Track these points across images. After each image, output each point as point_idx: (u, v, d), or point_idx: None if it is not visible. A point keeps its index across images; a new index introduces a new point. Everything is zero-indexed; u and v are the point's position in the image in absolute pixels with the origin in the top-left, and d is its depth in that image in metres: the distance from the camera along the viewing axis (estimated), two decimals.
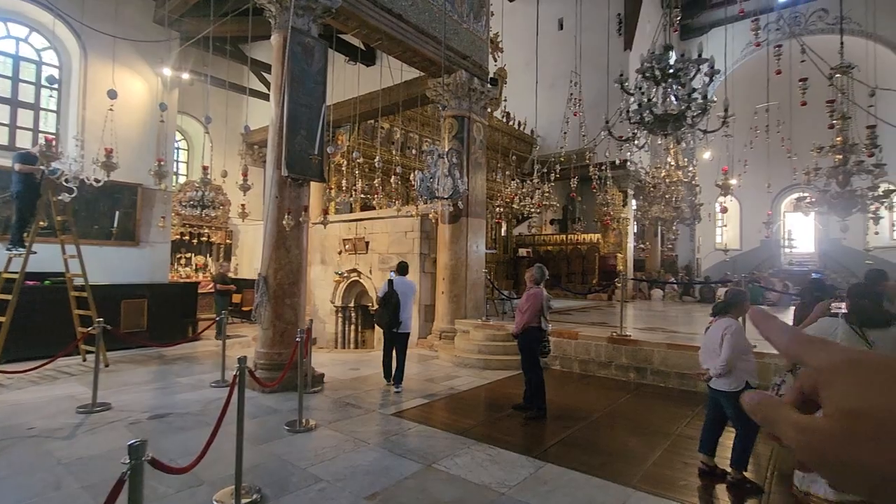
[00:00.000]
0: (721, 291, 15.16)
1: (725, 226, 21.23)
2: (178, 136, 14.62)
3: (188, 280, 12.18)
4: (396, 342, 6.15)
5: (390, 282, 6.10)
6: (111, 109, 6.84)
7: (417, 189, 4.26)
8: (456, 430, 4.49)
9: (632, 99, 3.64)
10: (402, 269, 6.40)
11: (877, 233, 17.38)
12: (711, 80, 3.39)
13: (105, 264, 8.30)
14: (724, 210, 9.10)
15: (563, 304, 12.29)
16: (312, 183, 8.72)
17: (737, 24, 16.18)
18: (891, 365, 0.34)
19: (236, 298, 12.71)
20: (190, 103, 12.35)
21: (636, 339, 6.87)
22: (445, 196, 4.21)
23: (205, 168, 7.67)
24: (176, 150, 14.41)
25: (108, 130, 6.83)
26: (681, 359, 6.40)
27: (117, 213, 8.40)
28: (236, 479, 3.07)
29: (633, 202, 16.67)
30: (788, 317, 5.85)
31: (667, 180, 10.87)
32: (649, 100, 3.47)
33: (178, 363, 7.30)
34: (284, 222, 5.77)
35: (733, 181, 13.60)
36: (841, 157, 9.33)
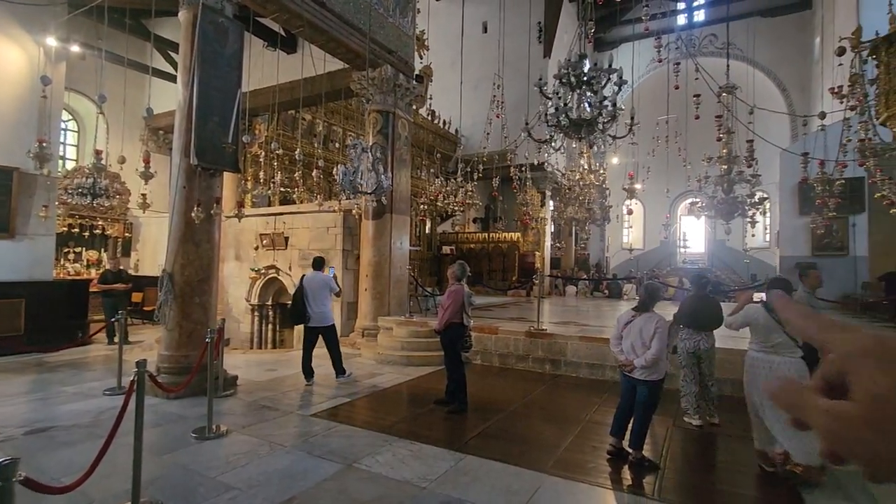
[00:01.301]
0: (627, 287, 16.47)
1: (631, 227, 23.06)
2: (67, 117, 13.00)
3: (78, 278, 10.89)
4: (324, 336, 6.20)
5: (302, 277, 6.26)
6: (44, 97, 5.88)
7: (340, 183, 4.15)
8: (378, 428, 4.46)
9: (550, 103, 3.84)
10: (316, 263, 6.42)
11: (753, 235, 19.74)
12: (620, 90, 3.68)
13: None
14: (630, 212, 9.87)
15: (485, 300, 12.63)
16: (226, 173, 8.22)
17: (643, 42, 17.56)
18: None
19: (137, 297, 11.60)
20: (81, 80, 11.03)
21: (551, 333, 7.25)
22: (369, 191, 4.15)
23: (98, 152, 6.85)
24: (64, 133, 12.81)
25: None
26: (590, 350, 6.86)
27: None
28: (133, 494, 2.81)
29: (550, 203, 17.56)
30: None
31: (581, 183, 11.56)
32: (565, 104, 3.68)
33: (64, 370, 6.51)
34: (193, 215, 5.36)
35: (638, 185, 14.80)
36: (726, 167, 10.51)
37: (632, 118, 3.98)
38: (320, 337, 6.17)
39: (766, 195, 10.52)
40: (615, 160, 15.12)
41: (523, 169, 11.40)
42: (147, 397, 5.40)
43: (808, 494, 3.33)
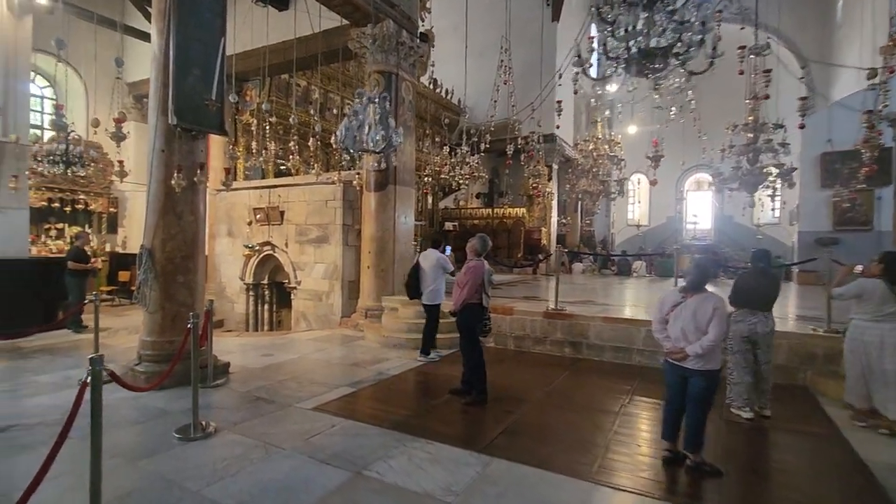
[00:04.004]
0: (637, 264, 15.93)
1: (639, 202, 22.33)
2: (44, 83, 12.12)
3: (59, 255, 10.22)
4: (427, 312, 6.22)
5: (418, 254, 6.53)
6: None
7: (340, 140, 3.50)
8: (388, 424, 3.91)
9: (611, 29, 3.13)
10: (433, 242, 6.49)
11: (773, 210, 19.07)
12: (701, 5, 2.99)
13: None
14: (654, 183, 9.19)
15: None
16: (213, 138, 7.50)
17: None
18: None
19: (124, 276, 10.99)
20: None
21: (571, 314, 6.69)
22: (377, 149, 3.49)
23: (59, 107, 6.07)
24: (40, 100, 11.95)
25: None
26: (615, 332, 6.31)
27: None
28: None
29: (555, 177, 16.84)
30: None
31: (594, 154, 10.85)
32: (635, 28, 2.97)
33: (38, 357, 5.93)
34: (174, 182, 4.70)
35: (663, 155, 14.08)
36: (752, 135, 9.80)
37: (714, 48, 3.25)
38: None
39: (794, 166, 9.83)
40: (632, 129, 14.33)
41: (536, 137, 10.64)
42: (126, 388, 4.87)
43: None
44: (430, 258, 6.21)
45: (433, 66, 11.55)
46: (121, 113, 5.54)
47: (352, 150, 3.65)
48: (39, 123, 11.29)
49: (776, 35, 19.29)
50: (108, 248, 11.81)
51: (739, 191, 10.70)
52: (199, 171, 4.95)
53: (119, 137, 4.57)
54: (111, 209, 11.94)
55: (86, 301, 5.24)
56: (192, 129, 4.93)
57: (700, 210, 24.30)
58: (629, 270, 15.69)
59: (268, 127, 7.91)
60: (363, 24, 7.88)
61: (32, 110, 10.72)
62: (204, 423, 3.77)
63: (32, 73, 11.31)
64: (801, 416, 4.40)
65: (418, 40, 8.66)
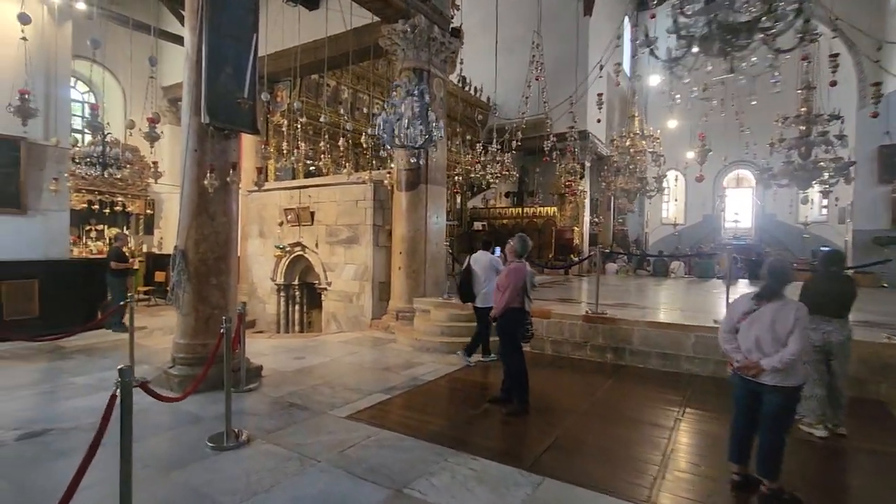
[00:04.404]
0: (674, 265, 15.30)
1: (676, 200, 21.51)
2: (84, 89, 12.45)
3: (100, 256, 10.46)
4: (478, 315, 6.11)
5: (469, 257, 6.34)
6: (24, 38, 5.17)
7: (378, 134, 3.31)
8: (426, 436, 3.69)
9: (677, 6, 2.82)
10: (484, 244, 6.46)
11: (826, 206, 18.02)
12: None
13: None
14: (701, 179, 8.72)
15: None
16: (245, 138, 7.46)
17: None
18: None
19: (160, 277, 11.17)
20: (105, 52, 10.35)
21: (613, 317, 6.34)
22: (415, 145, 3.29)
23: (93, 107, 6.13)
24: (81, 105, 12.28)
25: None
26: (661, 337, 5.94)
27: None
28: None
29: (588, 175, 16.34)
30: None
31: (631, 150, 10.41)
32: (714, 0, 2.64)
33: (77, 357, 5.98)
34: (206, 182, 4.61)
35: (690, 154, 13.48)
36: (804, 127, 9.20)
37: (806, 21, 2.83)
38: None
39: (853, 159, 9.17)
40: (672, 123, 13.70)
41: (573, 133, 10.27)
42: (159, 391, 4.81)
43: None
44: (481, 260, 6.13)
45: (462, 63, 11.33)
46: (154, 113, 5.52)
47: (389, 146, 3.45)
48: (80, 128, 11.59)
49: (826, 23, 18.29)
50: (144, 249, 12.05)
51: (790, 186, 10.11)
52: (231, 171, 4.86)
53: (152, 137, 4.52)
54: (148, 211, 12.17)
55: (126, 300, 5.22)
56: (225, 128, 4.84)
57: (740, 208, 23.29)
58: (666, 271, 15.08)
59: (298, 127, 7.82)
60: (394, 21, 7.72)
61: (74, 115, 11.03)
62: (237, 431, 3.64)
63: (74, 80, 11.65)
64: (879, 434, 3.97)
65: (450, 35, 8.44)
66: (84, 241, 11.08)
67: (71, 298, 7.38)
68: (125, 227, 11.68)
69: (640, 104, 12.17)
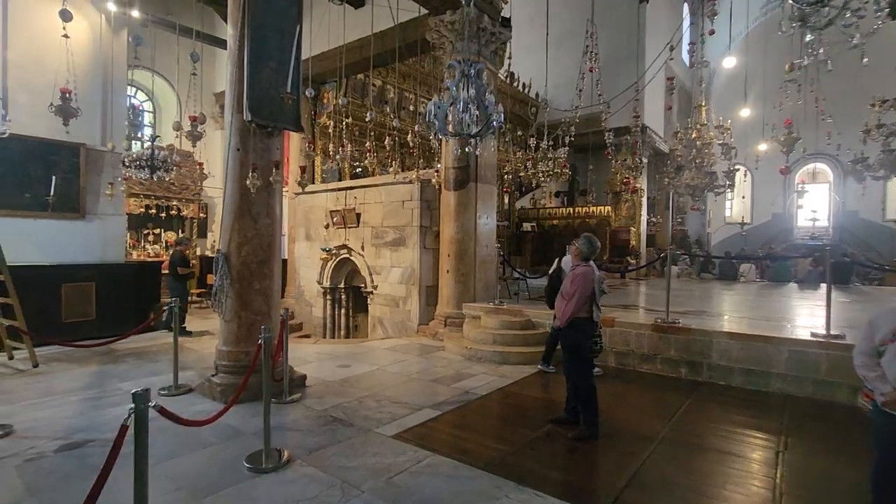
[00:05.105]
0: (744, 267, 14.05)
1: (743, 197, 19.95)
2: (143, 98, 12.93)
3: (158, 259, 10.76)
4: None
5: (558, 259, 6.08)
6: (66, 36, 5.20)
7: (430, 121, 2.92)
8: (482, 463, 3.25)
9: None
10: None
11: None
12: None
13: (41, 240, 6.90)
14: (787, 171, 7.79)
15: None
16: (289, 138, 7.29)
17: None
18: None
19: (212, 280, 11.36)
20: (148, 54, 10.66)
21: (688, 327, 5.65)
22: (471, 132, 2.88)
23: (135, 107, 6.17)
24: (141, 113, 12.76)
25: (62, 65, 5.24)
26: (746, 351, 5.20)
27: (54, 178, 6.92)
28: None
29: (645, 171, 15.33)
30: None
31: (698, 142, 9.54)
32: None
33: (128, 361, 5.98)
34: (249, 182, 4.40)
35: (763, 146, 12.30)
36: None
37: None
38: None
39: None
40: (746, 111, 12.58)
41: (638, 124, 9.54)
42: (202, 400, 4.63)
43: None
44: (571, 263, 5.67)
45: (510, 59, 10.83)
46: (200, 114, 5.42)
47: (441, 134, 3.05)
48: (138, 135, 12.02)
49: None
50: (198, 252, 12.34)
51: (887, 178, 8.91)
52: (274, 171, 4.64)
53: (195, 136, 4.36)
54: (201, 214, 12.46)
55: (175, 304, 5.15)
56: (268, 126, 4.62)
57: (815, 205, 21.32)
58: (735, 274, 13.87)
59: (344, 127, 7.62)
60: (442, 12, 7.37)
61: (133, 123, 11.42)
62: (278, 449, 3.35)
63: (133, 89, 12.11)
64: None
65: (500, 25, 7.99)
66: (142, 244, 11.46)
67: (125, 301, 7.50)
68: (180, 231, 12.01)
69: (706, 93, 11.19)
